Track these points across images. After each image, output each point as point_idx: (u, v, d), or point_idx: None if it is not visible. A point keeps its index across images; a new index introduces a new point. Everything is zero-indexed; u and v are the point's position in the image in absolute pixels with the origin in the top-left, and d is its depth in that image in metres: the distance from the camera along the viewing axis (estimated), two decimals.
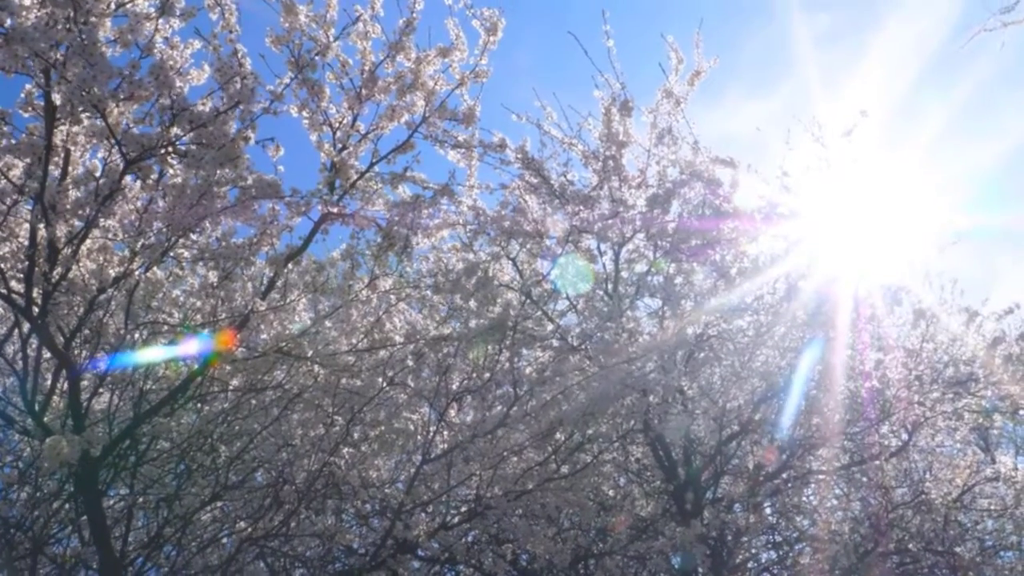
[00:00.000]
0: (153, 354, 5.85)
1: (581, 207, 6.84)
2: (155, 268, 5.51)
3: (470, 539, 8.17)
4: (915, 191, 8.31)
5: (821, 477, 10.04)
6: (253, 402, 6.98)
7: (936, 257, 8.82)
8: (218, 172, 4.69)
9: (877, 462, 9.27)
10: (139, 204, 5.04)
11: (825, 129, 8.15)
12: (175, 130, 4.13)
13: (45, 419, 5.10)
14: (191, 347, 5.63)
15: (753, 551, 10.63)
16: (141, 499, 6.92)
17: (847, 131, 8.12)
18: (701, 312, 7.12)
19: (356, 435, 6.93)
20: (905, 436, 9.41)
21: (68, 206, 4.62)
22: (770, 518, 9.93)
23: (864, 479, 9.88)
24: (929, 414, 9.28)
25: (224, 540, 7.60)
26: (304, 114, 5.79)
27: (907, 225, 8.29)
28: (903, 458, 10.12)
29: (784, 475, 9.39)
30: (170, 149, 4.19)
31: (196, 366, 5.60)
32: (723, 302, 7.34)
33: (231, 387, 6.34)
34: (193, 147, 4.14)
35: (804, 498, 10.47)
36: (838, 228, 7.82)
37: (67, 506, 6.68)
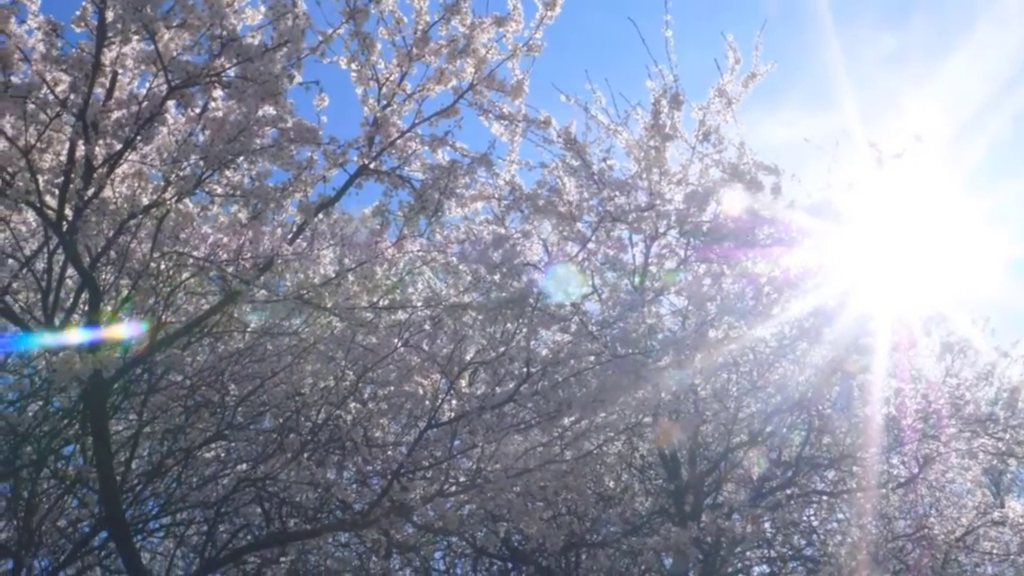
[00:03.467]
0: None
1: (618, 193, 6.77)
2: (187, 200, 5.53)
3: (465, 512, 8.19)
4: (966, 220, 8.14)
5: (824, 498, 9.96)
6: (268, 347, 7.03)
7: (979, 288, 8.63)
8: (260, 111, 4.70)
9: (884, 490, 9.17)
10: (178, 135, 5.08)
11: (878, 150, 8.02)
12: (221, 61, 4.13)
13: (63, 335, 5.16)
14: None
15: (746, 563, 10.57)
16: (147, 428, 6.99)
17: (899, 153, 7.99)
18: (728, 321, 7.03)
19: (365, 393, 6.95)
20: (915, 468, 9.31)
21: (109, 126, 4.65)
22: (768, 532, 9.85)
23: (868, 506, 9.77)
24: (943, 449, 9.16)
25: (224, 480, 7.67)
26: (353, 67, 5.78)
27: (953, 253, 8.13)
28: (910, 490, 10.00)
29: (788, 491, 9.32)
30: (214, 80, 4.19)
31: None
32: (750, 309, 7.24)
33: (248, 328, 6.37)
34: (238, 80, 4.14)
35: (804, 517, 10.39)
36: (879, 249, 7.68)
37: (75, 426, 6.78)
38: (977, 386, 8.97)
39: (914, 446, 9.14)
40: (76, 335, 5.62)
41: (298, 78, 4.34)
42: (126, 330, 6.18)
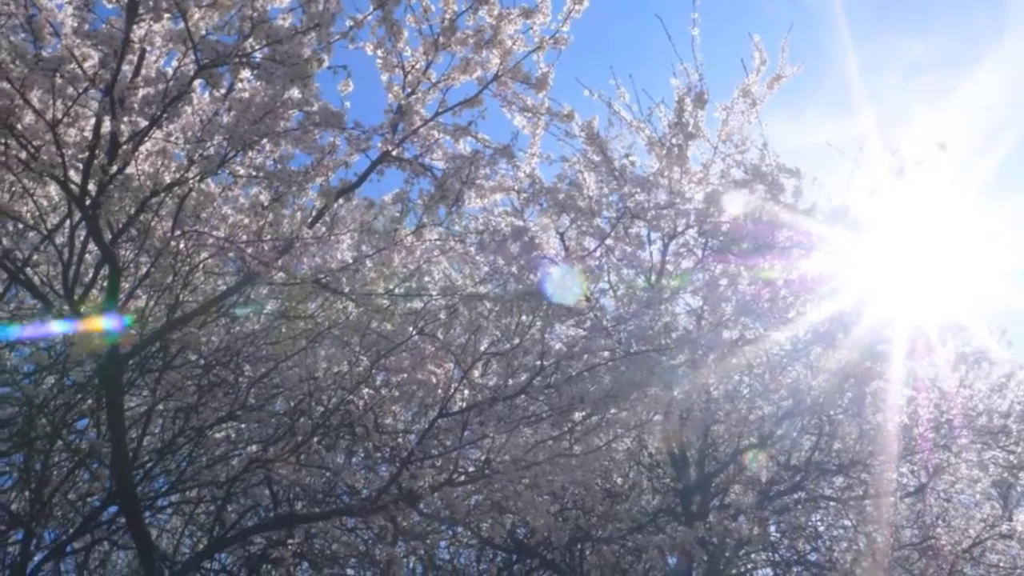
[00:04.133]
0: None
1: (639, 190, 6.76)
2: (209, 180, 5.55)
3: (472, 503, 8.20)
4: (985, 229, 8.08)
5: (832, 504, 9.93)
6: (283, 329, 7.06)
7: (997, 298, 8.57)
8: (286, 93, 4.71)
9: (892, 499, 9.13)
10: (202, 115, 5.09)
11: (900, 156, 7.97)
12: (250, 42, 4.14)
13: (81, 310, 5.19)
14: None
15: (750, 566, 10.55)
16: (160, 406, 7.03)
17: (921, 161, 7.94)
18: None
19: (378, 379, 6.96)
20: (925, 477, 9.27)
21: (136, 103, 4.66)
22: (773, 535, 9.83)
23: (875, 514, 9.74)
24: (953, 460, 9.12)
25: (234, 461, 7.70)
26: (379, 53, 5.77)
27: (971, 262, 8.08)
28: (918, 499, 9.96)
29: (795, 495, 9.30)
30: (243, 61, 4.20)
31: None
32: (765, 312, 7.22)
33: (265, 311, 6.40)
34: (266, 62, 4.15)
35: (811, 522, 10.37)
36: (897, 256, 7.64)
37: (89, 400, 6.82)
38: (991, 397, 8.92)
39: (924, 455, 9.10)
40: (94, 310, 5.66)
41: (327, 62, 4.34)
42: (144, 307, 6.22)
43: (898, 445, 8.70)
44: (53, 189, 5.96)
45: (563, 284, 6.61)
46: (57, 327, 5.26)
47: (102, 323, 5.08)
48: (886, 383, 8.52)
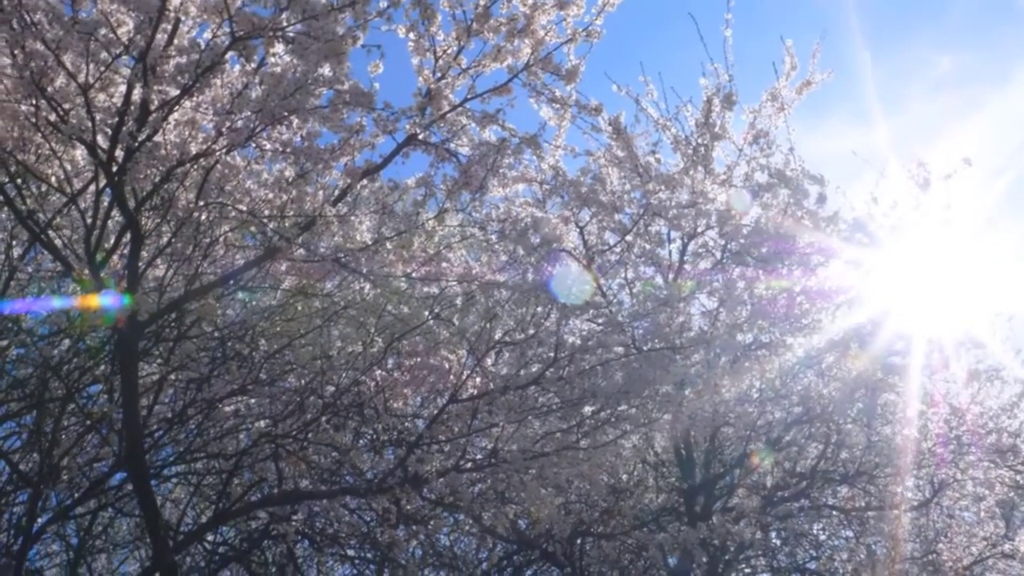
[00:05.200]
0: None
1: (663, 187, 6.74)
2: (235, 153, 5.56)
3: (476, 491, 8.21)
4: (1008, 247, 8.03)
5: (835, 513, 9.91)
6: (299, 307, 7.07)
7: (1016, 316, 8.50)
8: (318, 70, 4.71)
9: (896, 512, 9.10)
10: (230, 87, 5.10)
11: (925, 169, 7.94)
12: (287, 15, 4.14)
13: (101, 275, 5.21)
14: None
15: (749, 571, 10.55)
16: (173, 376, 7.05)
17: (947, 175, 7.91)
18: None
19: (391, 362, 6.97)
20: (930, 492, 9.23)
21: (168, 72, 4.67)
22: (775, 541, 9.82)
23: (878, 526, 9.71)
24: (960, 476, 9.08)
25: (242, 435, 7.73)
26: (411, 36, 5.76)
27: (992, 280, 8.02)
28: (922, 514, 9.92)
29: (799, 502, 9.29)
30: (278, 34, 4.20)
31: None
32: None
33: (282, 286, 6.41)
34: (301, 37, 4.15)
35: (812, 530, 10.35)
36: (918, 268, 7.60)
37: (102, 367, 6.86)
38: (1002, 416, 8.87)
39: (931, 470, 9.07)
40: (114, 276, 5.69)
41: (361, 40, 4.34)
42: (163, 276, 6.25)
43: (906, 458, 8.66)
44: (79, 154, 5.99)
45: (575, 281, 6.60)
46: (77, 291, 5.28)
47: (121, 289, 5.11)
48: (898, 395, 8.49)
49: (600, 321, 7.18)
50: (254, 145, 5.44)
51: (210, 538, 8.76)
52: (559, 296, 6.31)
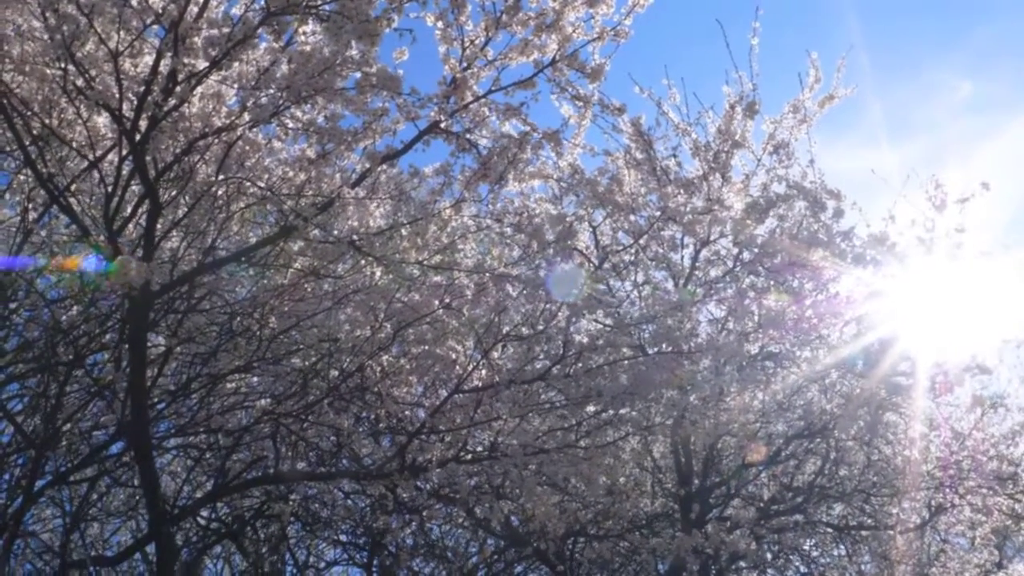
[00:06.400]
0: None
1: (681, 191, 6.74)
2: (258, 129, 5.57)
3: (472, 484, 8.20)
4: (1021, 274, 8.01)
5: (829, 531, 9.90)
6: (308, 288, 7.06)
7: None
8: (348, 51, 4.72)
9: (891, 532, 9.10)
10: (256, 64, 5.11)
11: (943, 191, 7.91)
12: None
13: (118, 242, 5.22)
14: None
15: None
16: (178, 348, 7.06)
17: (964, 199, 7.89)
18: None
19: (396, 349, 6.96)
20: (926, 515, 9.22)
21: (198, 43, 4.68)
22: (767, 554, 9.82)
23: (871, 546, 9.71)
24: (957, 502, 9.07)
25: (243, 413, 7.74)
26: (439, 24, 5.76)
27: (1004, 306, 7.99)
28: (916, 536, 9.90)
29: (794, 517, 9.28)
30: (313, 11, 4.21)
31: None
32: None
33: (295, 265, 6.42)
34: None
35: (806, 546, 10.35)
36: (929, 289, 7.59)
37: (108, 335, 6.86)
38: (1004, 443, 8.86)
39: (928, 492, 9.05)
40: (130, 244, 5.70)
41: (396, 22, 4.34)
42: (177, 248, 6.26)
43: (905, 479, 8.65)
44: (102, 121, 6.00)
45: (582, 280, 6.59)
46: (93, 256, 5.30)
47: (137, 257, 5.12)
48: (900, 416, 8.47)
49: (607, 322, 7.19)
50: (276, 123, 5.45)
51: (204, 514, 8.77)
52: (564, 294, 6.31)
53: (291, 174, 5.65)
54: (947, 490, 8.82)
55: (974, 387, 8.95)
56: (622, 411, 7.01)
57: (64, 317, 6.70)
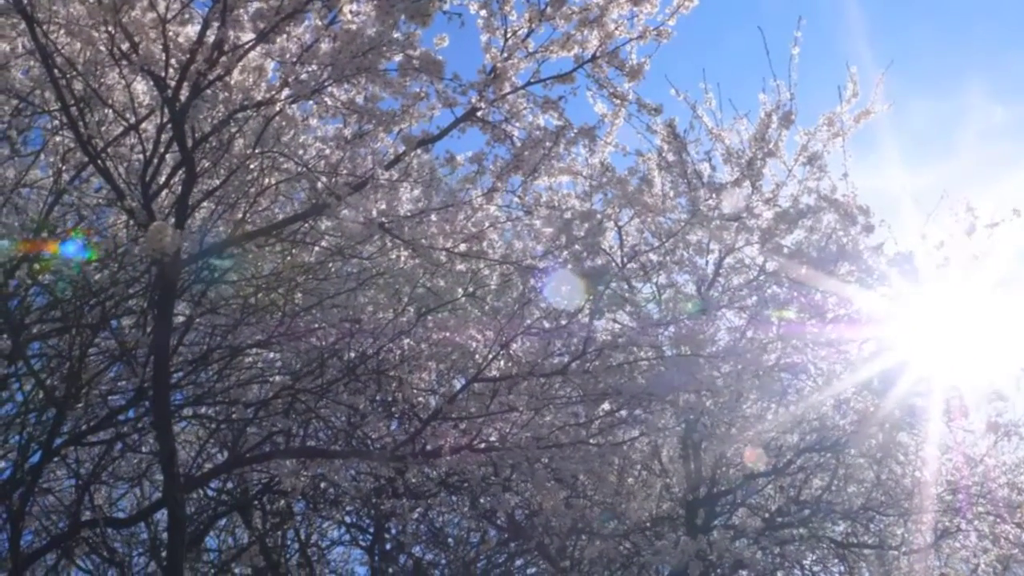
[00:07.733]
0: None
1: (714, 195, 6.73)
2: (297, 106, 5.60)
3: (480, 474, 8.22)
4: None
5: (833, 547, 9.87)
6: (331, 267, 7.10)
7: None
8: (393, 32, 4.74)
9: (894, 552, 9.08)
10: (297, 40, 5.13)
11: (973, 214, 7.89)
12: None
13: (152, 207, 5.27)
14: None
15: None
16: (199, 319, 7.11)
17: (994, 223, 7.86)
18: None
19: (416, 334, 6.99)
20: (931, 538, 9.18)
21: (246, 16, 4.71)
22: (769, 565, 9.79)
23: (877, 566, 9.67)
24: (964, 527, 9.03)
25: (260, 387, 7.78)
26: (483, 13, 5.77)
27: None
28: (919, 559, 9.86)
29: (799, 530, 9.26)
30: None
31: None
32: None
33: (322, 244, 6.46)
34: None
35: (806, 561, 10.31)
36: (953, 311, 7.56)
37: (133, 301, 6.92)
38: (1016, 471, 8.81)
39: (935, 515, 9.01)
40: (164, 211, 5.75)
41: (447, 5, 4.36)
42: (208, 218, 6.30)
43: (913, 500, 8.62)
44: (142, 88, 6.05)
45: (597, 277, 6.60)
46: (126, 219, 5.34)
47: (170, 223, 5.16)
48: (913, 437, 8.45)
49: (626, 323, 7.19)
50: (315, 101, 5.48)
51: (212, 485, 8.81)
52: (588, 291, 6.30)
53: (327, 152, 5.66)
54: (954, 514, 8.78)
55: (990, 413, 8.92)
56: (635, 413, 7.02)
57: (96, 278, 6.74)
